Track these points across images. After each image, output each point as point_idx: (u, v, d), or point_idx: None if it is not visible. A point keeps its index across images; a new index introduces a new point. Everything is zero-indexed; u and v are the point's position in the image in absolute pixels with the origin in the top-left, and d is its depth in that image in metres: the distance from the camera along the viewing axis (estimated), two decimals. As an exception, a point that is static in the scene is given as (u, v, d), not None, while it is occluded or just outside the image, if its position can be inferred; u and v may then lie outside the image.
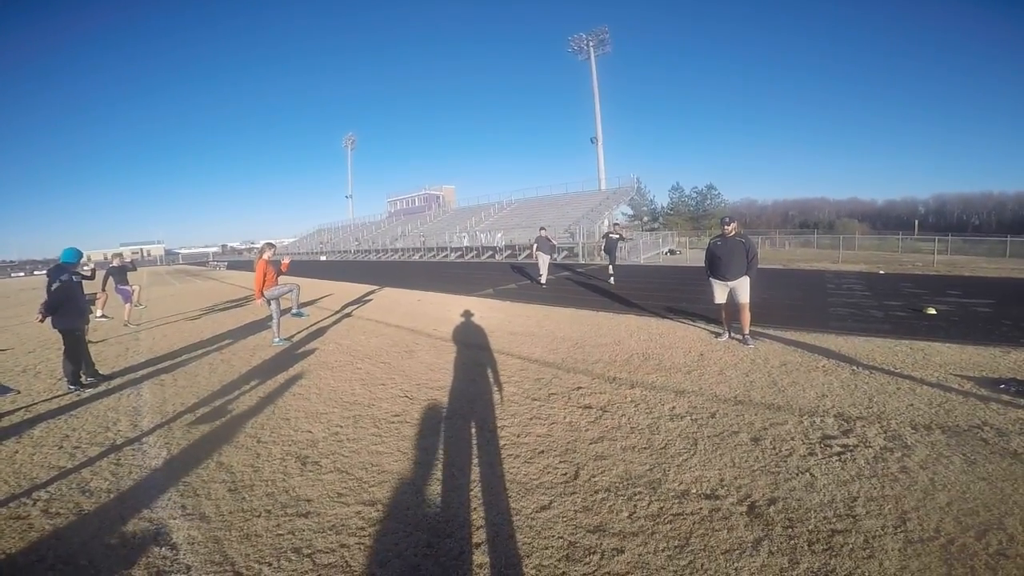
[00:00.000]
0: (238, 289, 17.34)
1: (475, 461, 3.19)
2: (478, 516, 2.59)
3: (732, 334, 6.00)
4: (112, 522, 2.73)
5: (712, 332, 6.27)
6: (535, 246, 12.82)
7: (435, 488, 2.89)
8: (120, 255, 10.47)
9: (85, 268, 7.73)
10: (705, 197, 53.00)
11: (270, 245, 7.05)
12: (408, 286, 14.59)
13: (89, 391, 5.10)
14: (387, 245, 39.76)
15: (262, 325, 8.36)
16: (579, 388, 4.47)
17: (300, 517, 2.68)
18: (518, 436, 3.52)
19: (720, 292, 5.89)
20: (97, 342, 7.72)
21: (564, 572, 2.18)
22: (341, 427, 3.85)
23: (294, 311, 7.59)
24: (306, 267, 26.39)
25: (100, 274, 9.73)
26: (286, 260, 7.61)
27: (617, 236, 13.32)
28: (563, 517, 2.56)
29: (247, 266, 38.07)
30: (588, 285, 12.45)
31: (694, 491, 2.74)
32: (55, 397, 4.98)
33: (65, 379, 5.19)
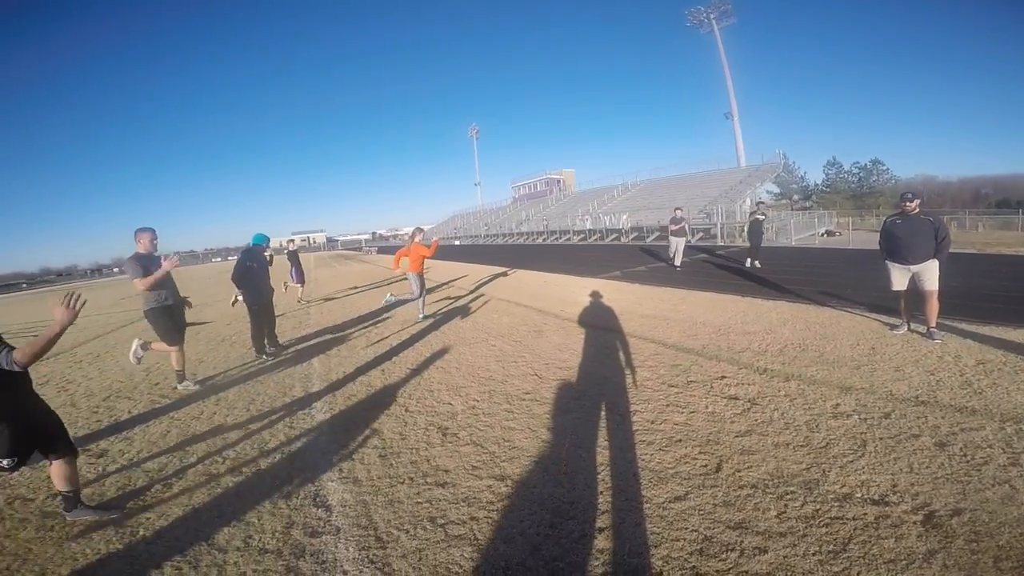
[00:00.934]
0: (387, 271, 19.35)
1: (604, 444, 3.13)
2: (604, 500, 2.54)
3: (912, 326, 5.03)
4: (281, 481, 3.03)
5: (886, 323, 5.32)
6: (671, 227, 12.16)
7: (560, 468, 2.89)
8: (293, 241, 12.27)
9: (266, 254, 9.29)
10: (870, 173, 45.82)
11: (420, 230, 7.76)
12: (534, 268, 14.89)
13: (271, 360, 6.02)
14: (512, 229, 40.98)
15: (406, 305, 9.23)
16: (723, 377, 4.13)
17: (438, 487, 2.82)
18: (652, 422, 3.38)
19: (899, 278, 4.95)
20: (276, 316, 9.24)
21: (695, 566, 2.04)
22: (477, 401, 4.05)
23: (396, 298, 7.84)
24: (443, 251, 28.47)
25: (277, 259, 11.60)
26: (435, 240, 8.38)
27: (763, 217, 12.04)
28: (699, 510, 2.41)
29: (394, 251, 42.33)
30: (729, 268, 11.44)
31: (859, 495, 2.40)
32: (245, 364, 5.96)
33: (253, 348, 6.24)
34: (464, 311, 8.20)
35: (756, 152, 41.08)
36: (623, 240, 26.09)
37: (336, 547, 2.37)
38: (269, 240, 6.45)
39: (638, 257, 16.06)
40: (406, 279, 7.90)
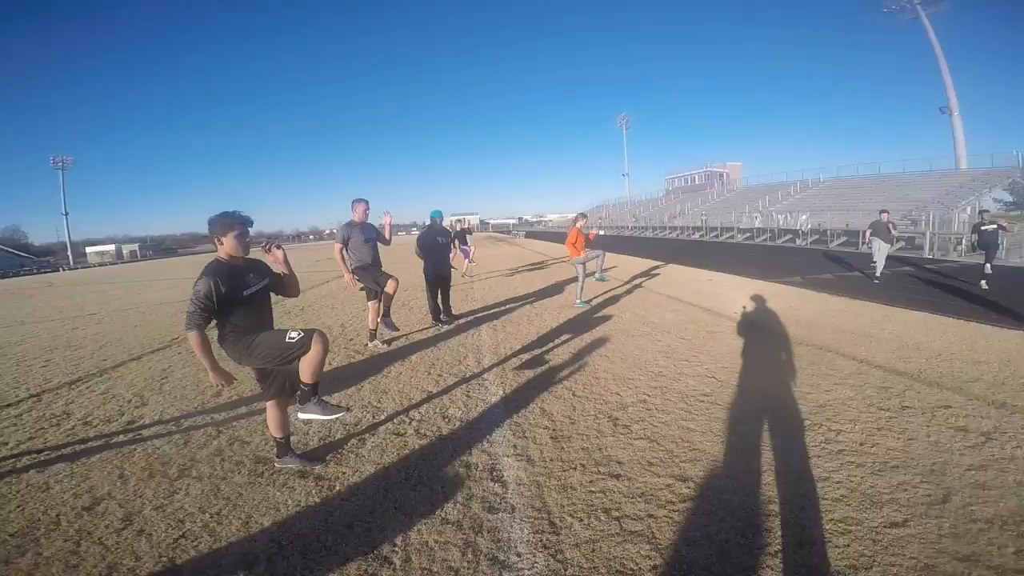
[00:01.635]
0: (537, 254, 20.00)
1: (801, 460, 2.83)
2: (806, 516, 2.32)
3: None
4: (461, 448, 3.16)
5: None
6: (869, 231, 10.57)
7: (752, 478, 2.68)
8: (461, 220, 13.29)
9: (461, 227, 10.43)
10: None
11: (583, 216, 7.87)
12: (694, 264, 14.00)
13: (445, 327, 6.61)
14: (665, 223, 38.95)
15: (561, 288, 9.45)
16: (947, 407, 3.45)
17: (612, 478, 2.75)
18: (861, 444, 2.97)
19: None
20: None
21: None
22: (648, 396, 3.94)
23: (597, 276, 8.28)
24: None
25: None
26: (593, 231, 8.31)
27: (995, 227, 9.61)
28: (920, 538, 2.13)
29: (541, 235, 43.53)
30: (944, 286, 9.36)
31: None
32: (423, 329, 6.61)
33: (430, 315, 6.91)
34: (623, 302, 8.07)
35: (980, 152, 32.66)
36: (798, 242, 23.02)
37: (512, 527, 2.37)
38: (441, 215, 6.99)
39: (820, 263, 14.04)
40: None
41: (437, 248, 6.66)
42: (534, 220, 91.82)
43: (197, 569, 2.18)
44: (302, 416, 2.90)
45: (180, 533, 2.42)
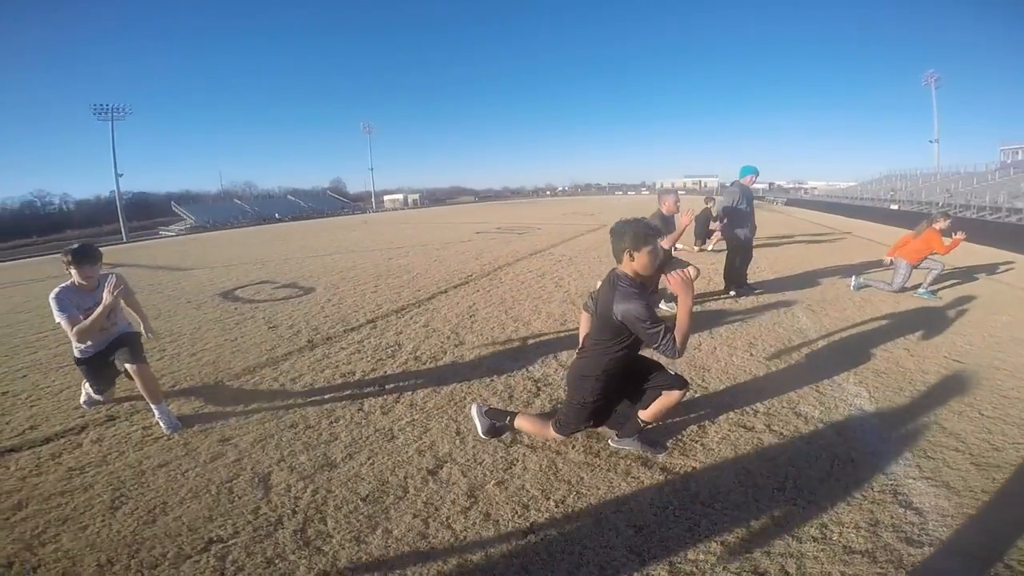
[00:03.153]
0: (813, 224, 17.45)
1: None
2: None
3: None
4: (837, 458, 2.64)
5: None
6: None
7: None
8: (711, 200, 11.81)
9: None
10: None
11: (945, 216, 6.14)
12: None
13: (739, 297, 6.10)
14: (1002, 203, 28.79)
15: (866, 269, 7.85)
16: None
17: None
18: None
19: None
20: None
21: None
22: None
23: (923, 291, 6.16)
24: (870, 212, 23.01)
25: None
26: (960, 236, 6.15)
27: None
28: None
29: (802, 204, 37.52)
30: None
31: None
32: (717, 298, 6.18)
33: (724, 283, 6.39)
34: (985, 300, 6.01)
35: None
36: None
37: (949, 567, 1.91)
38: (758, 172, 6.27)
39: None
40: (889, 265, 6.49)
41: (741, 212, 6.19)
42: (790, 187, 78.96)
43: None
44: (613, 445, 2.74)
45: (528, 524, 2.18)
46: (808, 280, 7.25)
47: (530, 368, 3.97)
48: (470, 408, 2.97)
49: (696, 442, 2.80)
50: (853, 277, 6.64)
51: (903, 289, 6.22)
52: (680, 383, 2.47)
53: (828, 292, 6.45)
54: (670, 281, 2.22)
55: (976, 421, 3.07)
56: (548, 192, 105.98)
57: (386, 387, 3.68)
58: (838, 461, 2.62)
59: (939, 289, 6.44)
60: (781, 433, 2.90)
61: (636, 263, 2.29)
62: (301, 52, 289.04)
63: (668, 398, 2.47)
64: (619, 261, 2.35)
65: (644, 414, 2.54)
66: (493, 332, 4.90)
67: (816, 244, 11.84)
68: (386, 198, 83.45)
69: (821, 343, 4.51)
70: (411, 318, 5.52)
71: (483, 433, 2.77)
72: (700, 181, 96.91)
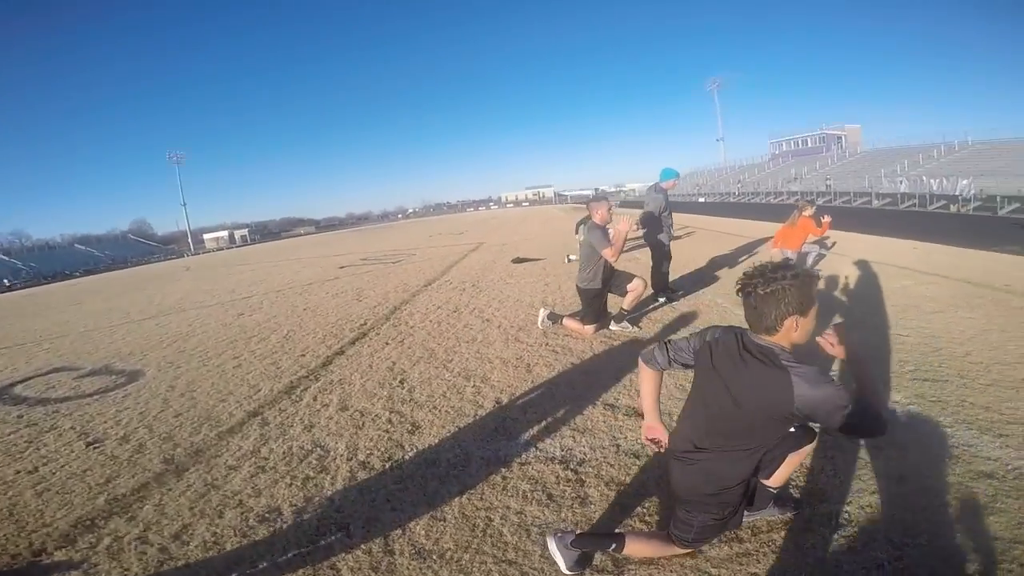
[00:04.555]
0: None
1: None
2: None
3: None
4: None
5: None
6: None
7: None
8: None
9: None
10: None
11: (809, 203, 6.88)
12: (868, 232, 12.44)
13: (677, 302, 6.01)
14: (777, 188, 35.98)
15: (734, 260, 8.66)
16: None
17: None
18: None
19: None
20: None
21: None
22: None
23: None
24: (693, 206, 26.74)
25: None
26: (828, 220, 7.01)
27: None
28: None
29: (630, 204, 41.85)
30: None
31: None
32: (660, 306, 5.95)
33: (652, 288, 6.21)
34: (848, 275, 7.04)
35: None
36: (953, 208, 20.07)
37: None
38: (679, 175, 6.39)
39: (1013, 231, 12.00)
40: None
41: (666, 217, 6.24)
42: (612, 190, 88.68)
43: None
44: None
45: None
46: (708, 276, 7.63)
47: (542, 446, 2.93)
48: (548, 542, 1.97)
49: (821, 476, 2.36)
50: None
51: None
52: (810, 435, 1.96)
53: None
54: (828, 346, 1.69)
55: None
56: (399, 215, 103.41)
57: (350, 528, 2.33)
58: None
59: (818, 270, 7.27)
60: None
61: (800, 331, 1.62)
62: (78, 69, 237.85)
63: (799, 456, 2.00)
64: (769, 329, 1.63)
65: (773, 481, 2.02)
66: (448, 401, 3.72)
67: (677, 241, 12.89)
68: (207, 237, 72.85)
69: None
70: (314, 399, 4.01)
71: (568, 569, 1.89)
72: (539, 192, 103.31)
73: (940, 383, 3.21)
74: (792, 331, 1.61)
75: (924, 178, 22.97)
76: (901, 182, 24.17)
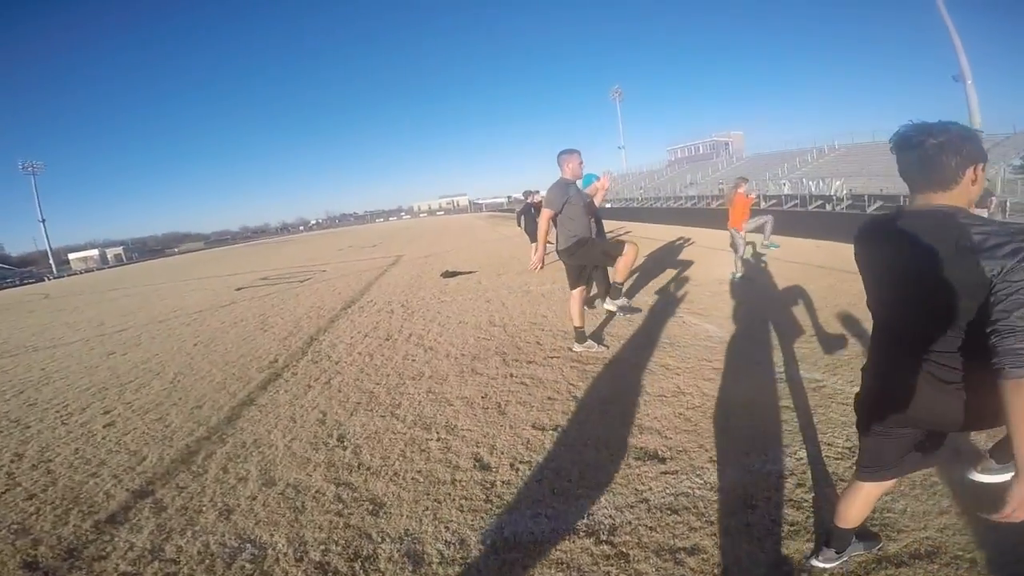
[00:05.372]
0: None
1: None
2: None
3: None
4: None
5: None
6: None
7: None
8: (532, 193, 12.08)
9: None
10: None
11: (743, 180, 7.13)
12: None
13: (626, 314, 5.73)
14: (676, 193, 38.60)
15: (687, 263, 8.70)
16: None
17: None
18: None
19: None
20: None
21: None
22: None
23: (767, 242, 7.83)
24: (603, 212, 27.69)
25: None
26: (753, 195, 7.64)
27: None
28: None
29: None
30: None
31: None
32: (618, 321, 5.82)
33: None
34: (777, 275, 7.32)
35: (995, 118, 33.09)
36: (829, 208, 22.69)
37: None
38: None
39: None
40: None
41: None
42: (523, 198, 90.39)
43: None
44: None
45: None
46: (662, 285, 7.44)
47: (555, 515, 2.24)
48: None
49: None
50: (731, 274, 7.09)
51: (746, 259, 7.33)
52: None
53: (696, 291, 6.58)
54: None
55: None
56: (301, 227, 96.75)
57: None
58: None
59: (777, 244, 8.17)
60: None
61: (976, 186, 1.28)
62: None
63: None
64: (944, 184, 1.27)
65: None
66: (412, 463, 2.85)
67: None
68: (73, 257, 63.08)
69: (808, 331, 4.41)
70: (224, 470, 2.99)
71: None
72: (453, 200, 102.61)
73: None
74: (969, 188, 1.28)
75: (804, 180, 25.74)
76: (784, 184, 26.87)
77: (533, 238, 9.83)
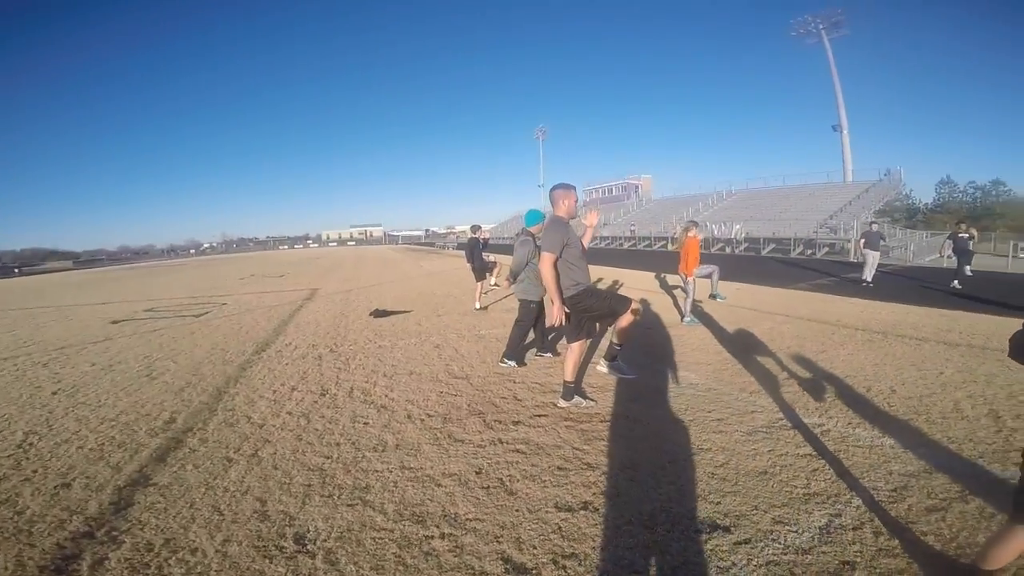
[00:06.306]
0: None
1: None
2: None
3: None
4: None
5: None
6: (863, 241, 11.99)
7: None
8: (480, 228, 11.69)
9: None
10: (987, 194, 45.72)
11: (694, 224, 7.28)
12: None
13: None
14: (594, 233, 40.69)
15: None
16: None
17: None
18: None
19: None
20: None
21: None
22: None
23: (715, 293, 8.04)
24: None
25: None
26: (700, 237, 7.73)
27: (967, 235, 11.85)
28: None
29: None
30: (933, 288, 10.74)
31: None
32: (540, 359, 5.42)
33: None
34: (722, 318, 7.48)
35: (864, 167, 39.69)
36: (729, 250, 24.98)
37: None
38: (537, 218, 5.40)
39: (797, 270, 15.37)
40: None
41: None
42: (444, 232, 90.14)
43: None
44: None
45: None
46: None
47: None
48: None
49: None
50: (681, 318, 7.12)
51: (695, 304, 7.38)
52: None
53: (653, 336, 6.43)
54: None
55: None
56: (192, 250, 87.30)
57: None
58: None
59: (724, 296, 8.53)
60: None
61: None
62: None
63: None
64: None
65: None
66: None
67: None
68: None
69: (789, 377, 4.15)
70: None
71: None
72: (367, 231, 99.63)
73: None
74: None
75: (708, 223, 28.22)
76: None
77: (480, 275, 9.33)
